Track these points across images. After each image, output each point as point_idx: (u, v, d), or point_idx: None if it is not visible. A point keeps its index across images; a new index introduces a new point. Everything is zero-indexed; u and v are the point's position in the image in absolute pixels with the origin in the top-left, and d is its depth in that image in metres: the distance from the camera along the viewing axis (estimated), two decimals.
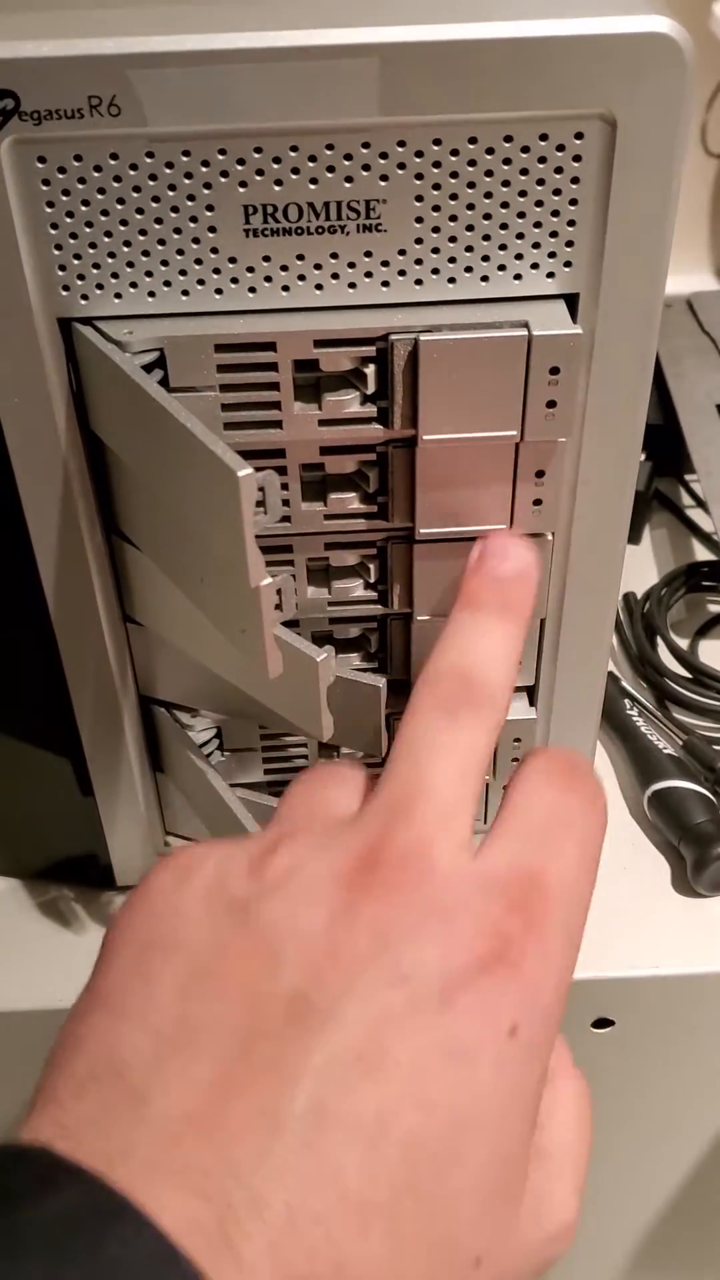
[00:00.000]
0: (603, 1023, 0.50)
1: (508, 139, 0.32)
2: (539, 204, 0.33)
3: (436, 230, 0.33)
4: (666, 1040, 0.51)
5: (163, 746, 0.46)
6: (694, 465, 0.65)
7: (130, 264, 0.33)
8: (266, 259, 0.34)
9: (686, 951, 0.48)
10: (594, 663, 0.44)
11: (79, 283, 0.34)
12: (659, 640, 0.60)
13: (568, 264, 0.34)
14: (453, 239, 0.34)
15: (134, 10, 0.31)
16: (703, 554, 0.67)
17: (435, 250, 0.34)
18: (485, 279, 0.34)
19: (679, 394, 0.69)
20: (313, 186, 0.32)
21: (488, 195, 0.33)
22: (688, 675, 0.59)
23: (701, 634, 0.62)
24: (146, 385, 0.32)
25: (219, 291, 0.34)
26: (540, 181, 0.33)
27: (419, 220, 0.33)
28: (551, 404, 0.35)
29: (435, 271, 0.34)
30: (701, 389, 0.69)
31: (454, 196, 0.33)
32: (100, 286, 0.34)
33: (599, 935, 0.49)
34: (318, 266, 0.34)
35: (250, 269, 0.34)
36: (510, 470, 0.37)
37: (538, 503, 0.38)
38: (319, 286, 0.34)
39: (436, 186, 0.33)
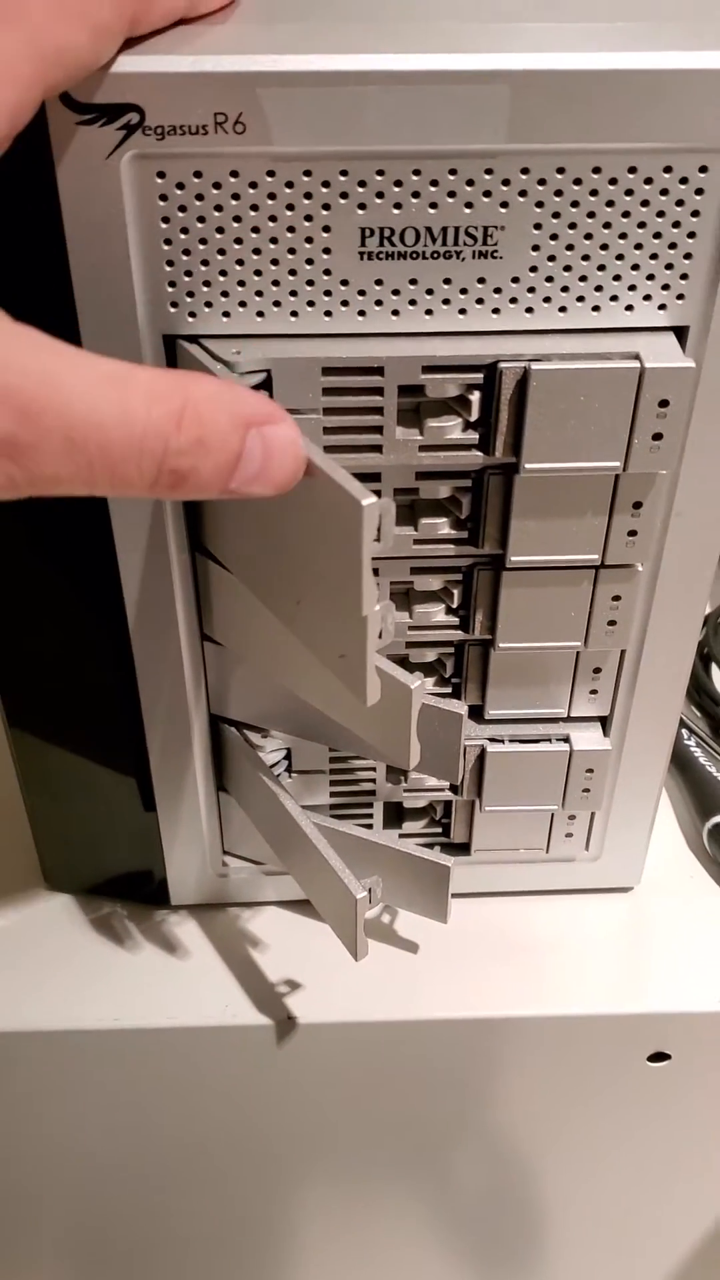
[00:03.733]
0: (659, 1056, 0.49)
1: (632, 170, 0.32)
2: (657, 236, 0.33)
3: (552, 259, 0.33)
4: None
5: (229, 766, 0.45)
6: None
7: (241, 283, 0.33)
8: (379, 282, 0.33)
9: None
10: (671, 696, 0.44)
11: (188, 300, 0.33)
12: (714, 668, 0.60)
13: (680, 296, 0.34)
14: (568, 268, 0.33)
15: (264, 27, 0.31)
16: None
17: (549, 279, 0.33)
18: (597, 309, 0.34)
19: None
20: (432, 211, 0.32)
21: (606, 225, 0.33)
22: None
23: None
24: None
25: (328, 314, 0.34)
26: (660, 214, 0.32)
27: (535, 248, 0.33)
28: (657, 436, 0.35)
29: (547, 300, 0.34)
30: None
31: (573, 225, 0.33)
32: (209, 304, 0.33)
33: (659, 968, 0.49)
34: (430, 292, 0.34)
35: (362, 292, 0.33)
36: (608, 501, 0.37)
37: (632, 534, 0.38)
38: (429, 312, 0.34)
39: (556, 215, 0.32)
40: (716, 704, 0.58)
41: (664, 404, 0.34)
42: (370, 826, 0.48)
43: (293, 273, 0.33)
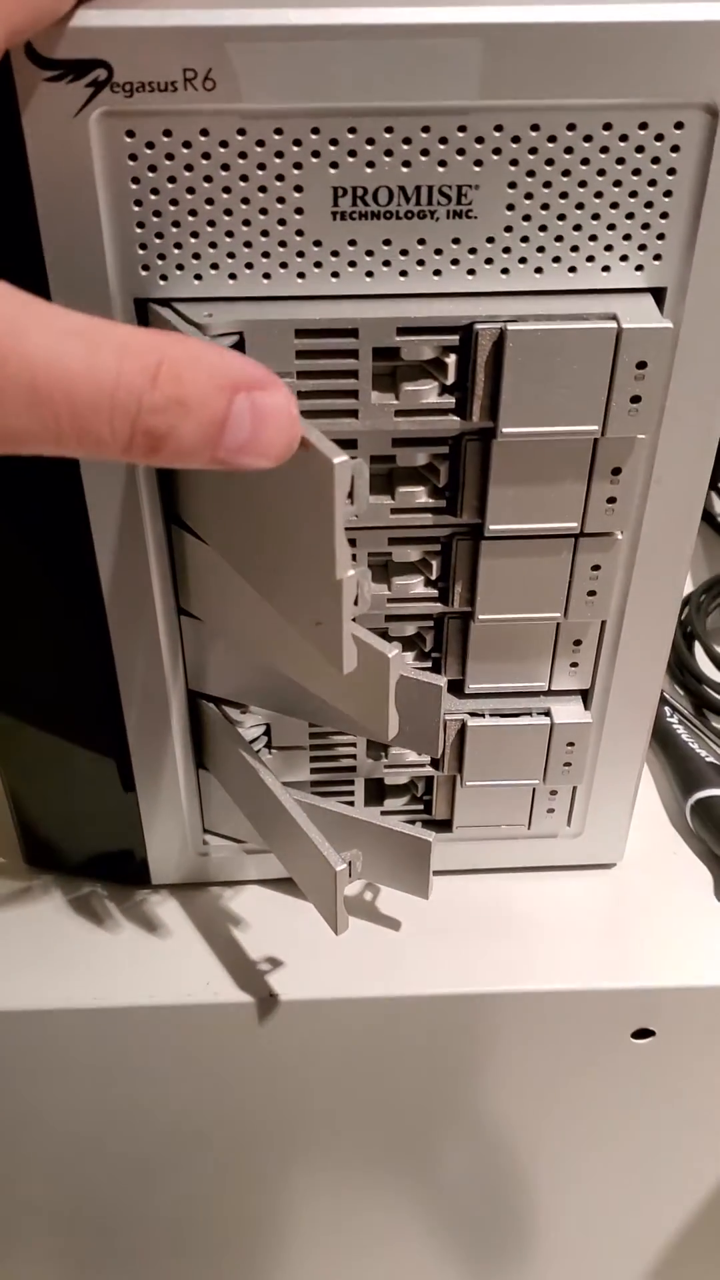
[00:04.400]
0: (643, 1033, 0.49)
1: (607, 126, 0.31)
2: (633, 195, 0.33)
3: (528, 218, 0.33)
4: (708, 1051, 0.50)
5: (209, 743, 0.45)
6: None
7: (213, 244, 0.33)
8: (352, 243, 0.33)
9: None
10: (652, 668, 0.43)
11: (159, 262, 0.33)
12: (698, 646, 0.60)
13: (657, 257, 0.34)
14: (543, 228, 0.33)
15: None
16: None
17: (525, 239, 0.33)
18: (573, 269, 0.34)
19: None
20: (405, 170, 0.32)
21: (582, 184, 0.32)
22: None
23: None
24: None
25: (301, 275, 0.33)
26: (636, 171, 0.32)
27: (510, 208, 0.33)
28: (635, 399, 0.35)
29: (523, 260, 0.33)
30: None
31: (548, 184, 0.32)
32: (181, 267, 0.33)
33: (641, 944, 0.49)
34: (404, 252, 0.33)
35: (335, 253, 0.33)
36: (587, 467, 0.37)
37: (611, 500, 0.38)
38: (403, 273, 0.33)
39: (531, 173, 0.32)
40: (699, 681, 0.58)
41: (642, 365, 0.34)
42: (352, 804, 0.48)
43: (265, 234, 0.33)
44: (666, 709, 0.56)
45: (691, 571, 0.67)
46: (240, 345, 0.34)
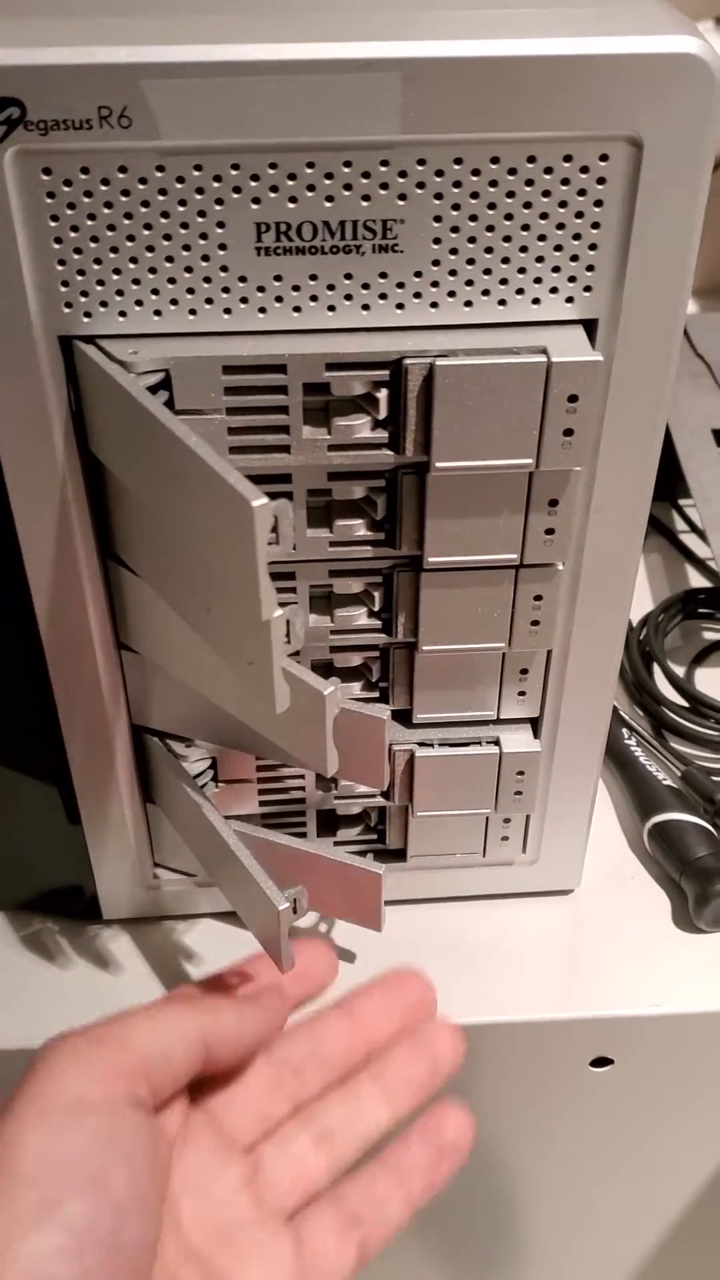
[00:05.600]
0: (601, 1061, 0.48)
1: (531, 160, 0.31)
2: (560, 227, 0.32)
3: (454, 252, 0.32)
4: (666, 1079, 0.50)
5: (155, 777, 0.44)
6: (690, 490, 0.64)
7: (136, 281, 0.32)
8: (278, 278, 0.32)
9: (688, 989, 0.47)
10: (600, 694, 0.43)
11: (82, 299, 0.32)
12: (656, 668, 0.59)
13: (587, 289, 0.33)
14: (471, 261, 0.33)
15: (149, 19, 0.30)
16: (698, 580, 0.66)
17: (453, 273, 0.33)
18: (503, 303, 0.33)
19: (674, 419, 0.68)
20: (328, 204, 0.31)
21: (508, 217, 0.32)
22: (685, 704, 0.58)
23: (698, 661, 0.61)
24: (152, 407, 0.31)
25: (228, 311, 0.33)
26: (562, 204, 0.32)
27: (437, 241, 0.32)
28: (569, 432, 0.34)
29: (452, 294, 0.33)
30: (697, 414, 0.68)
31: (474, 218, 0.32)
32: (104, 304, 0.33)
33: (599, 972, 0.48)
34: (331, 287, 0.33)
35: (261, 288, 0.33)
36: (523, 499, 0.36)
37: (550, 532, 0.37)
38: (331, 308, 0.33)
39: (456, 207, 0.32)
40: (658, 703, 0.58)
41: (573, 399, 0.34)
42: (304, 834, 0.47)
43: (189, 269, 0.32)
44: (625, 731, 0.56)
45: (652, 590, 0.66)
46: (166, 382, 0.33)
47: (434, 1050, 0.38)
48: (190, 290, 0.32)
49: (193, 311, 0.33)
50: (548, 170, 0.31)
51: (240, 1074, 0.37)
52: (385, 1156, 0.37)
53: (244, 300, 0.33)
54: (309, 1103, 0.38)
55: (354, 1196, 0.36)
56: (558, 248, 0.33)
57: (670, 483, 0.70)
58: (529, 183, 0.31)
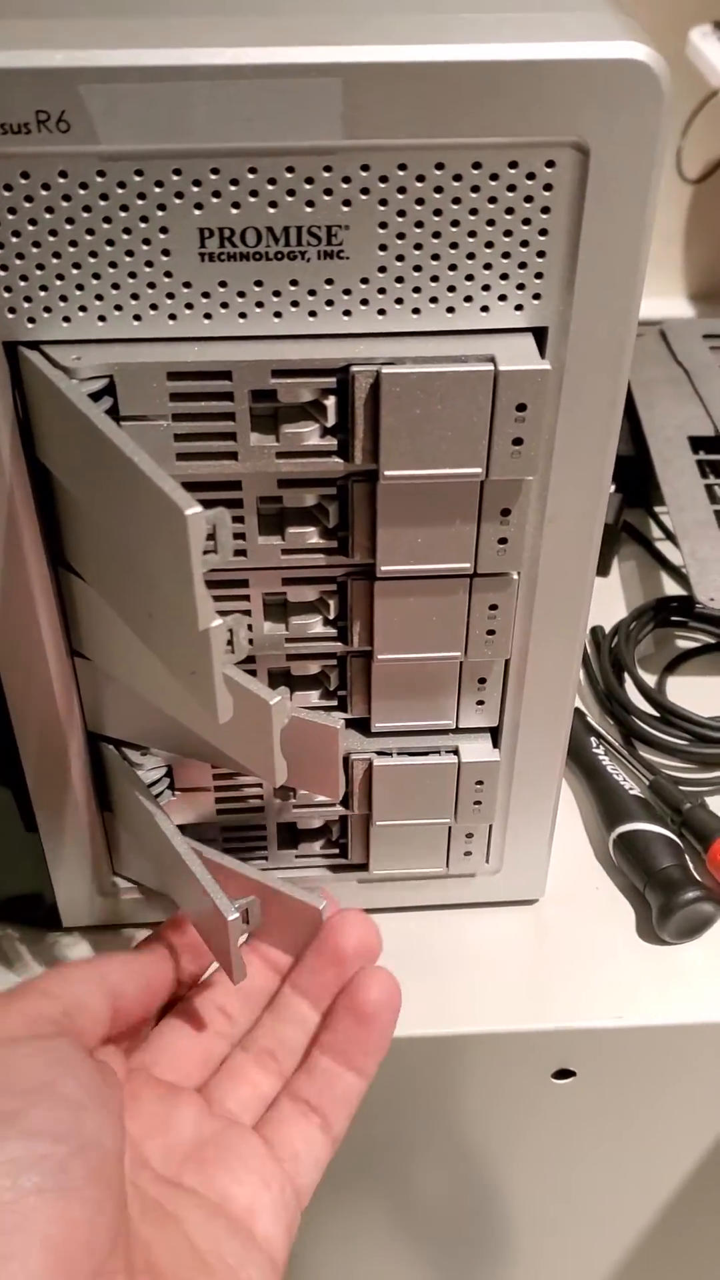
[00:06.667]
0: (564, 1074, 0.48)
1: (476, 166, 0.31)
2: (508, 234, 0.32)
3: (401, 258, 0.32)
4: (629, 1092, 0.49)
5: (111, 785, 0.44)
6: (664, 498, 0.63)
7: (79, 287, 0.32)
8: (223, 284, 0.32)
9: (651, 1001, 0.47)
10: (559, 704, 0.43)
11: (25, 305, 0.32)
12: (626, 676, 0.59)
13: (536, 296, 0.33)
14: (417, 268, 0.32)
15: (88, 22, 0.30)
16: (672, 588, 0.66)
17: (399, 279, 0.32)
18: (451, 310, 0.33)
19: (650, 425, 0.68)
20: (272, 210, 0.31)
21: (454, 223, 0.32)
22: (655, 714, 0.57)
23: (669, 670, 0.61)
24: (91, 414, 0.31)
25: (172, 317, 0.33)
26: (509, 210, 0.32)
27: (383, 248, 0.32)
28: (518, 441, 0.34)
29: (399, 301, 0.33)
30: (673, 421, 0.68)
31: (419, 224, 0.32)
32: (48, 310, 0.32)
33: (561, 983, 0.48)
34: (276, 294, 0.32)
35: (205, 294, 0.32)
36: (475, 508, 0.36)
37: (503, 541, 0.37)
38: (278, 314, 0.33)
39: (401, 213, 0.31)
40: (628, 711, 0.57)
41: (522, 408, 0.33)
42: (265, 848, 0.47)
43: (132, 275, 0.32)
44: (593, 740, 0.55)
45: (626, 597, 0.66)
46: (111, 388, 0.33)
47: (340, 943, 0.39)
48: (134, 296, 0.32)
49: (137, 317, 0.33)
50: (494, 176, 0.31)
51: (173, 1029, 0.39)
52: (317, 1039, 0.39)
53: (189, 306, 0.32)
54: (243, 1035, 0.40)
55: (301, 1087, 0.38)
56: (505, 255, 0.32)
57: (646, 490, 0.69)
58: (475, 189, 0.31)
